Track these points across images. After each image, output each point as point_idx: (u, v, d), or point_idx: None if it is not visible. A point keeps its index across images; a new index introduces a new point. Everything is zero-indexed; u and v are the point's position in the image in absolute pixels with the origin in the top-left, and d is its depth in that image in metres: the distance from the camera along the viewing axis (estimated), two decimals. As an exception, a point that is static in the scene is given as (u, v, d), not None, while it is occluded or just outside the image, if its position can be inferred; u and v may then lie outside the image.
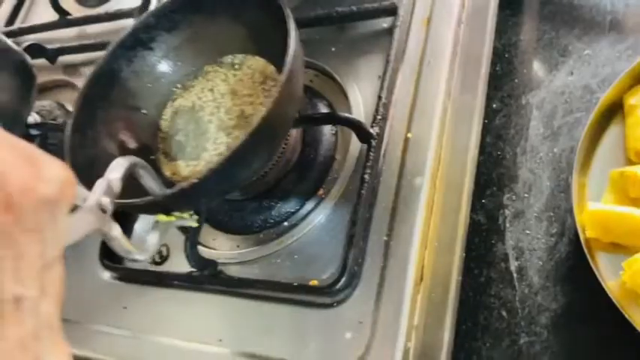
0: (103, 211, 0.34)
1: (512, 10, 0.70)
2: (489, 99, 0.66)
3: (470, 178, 0.53)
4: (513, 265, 0.57)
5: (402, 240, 0.43)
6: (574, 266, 0.54)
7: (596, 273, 0.49)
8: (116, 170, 0.37)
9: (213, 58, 0.54)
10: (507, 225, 0.59)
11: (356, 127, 0.47)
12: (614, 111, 0.57)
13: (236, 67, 0.53)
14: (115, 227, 0.35)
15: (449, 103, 0.48)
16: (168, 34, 0.53)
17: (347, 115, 0.49)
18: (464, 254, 0.55)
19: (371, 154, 0.46)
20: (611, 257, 0.52)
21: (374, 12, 0.53)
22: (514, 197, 0.60)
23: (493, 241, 0.59)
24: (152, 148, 0.51)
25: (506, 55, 0.68)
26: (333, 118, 0.50)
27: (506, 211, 0.60)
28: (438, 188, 0.46)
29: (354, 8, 0.54)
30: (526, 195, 0.59)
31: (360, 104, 0.51)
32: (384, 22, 0.53)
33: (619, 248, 0.52)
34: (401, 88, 0.48)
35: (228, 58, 0.53)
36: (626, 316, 0.46)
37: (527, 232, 0.58)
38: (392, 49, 0.49)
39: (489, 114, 0.65)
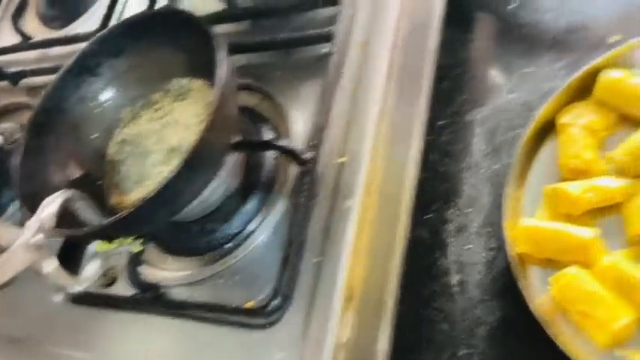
0: (37, 248, 0.36)
1: (461, 28, 0.72)
2: (437, 116, 0.68)
3: (409, 195, 0.55)
4: (455, 278, 0.59)
5: (333, 261, 0.45)
6: (510, 281, 0.56)
7: (522, 290, 0.51)
8: (50, 207, 0.38)
9: (160, 84, 0.55)
10: (450, 240, 0.61)
11: (290, 153, 0.49)
12: (551, 127, 0.59)
13: (182, 95, 0.54)
14: (50, 262, 0.37)
15: (383, 125, 0.49)
16: (115, 60, 0.55)
17: (281, 142, 0.51)
18: (403, 269, 0.57)
19: (306, 177, 0.47)
20: (545, 272, 0.54)
21: (312, 38, 0.55)
22: (457, 212, 0.62)
23: (436, 256, 0.61)
24: (99, 175, 0.53)
25: (456, 72, 0.70)
26: (268, 146, 0.52)
27: (450, 226, 0.61)
28: (371, 208, 0.48)
29: (294, 35, 0.56)
30: (469, 210, 0.61)
31: (300, 128, 0.53)
32: (325, 48, 0.55)
33: (552, 263, 0.54)
34: (336, 111, 0.50)
35: (175, 85, 0.55)
36: (549, 334, 0.48)
37: (469, 246, 0.60)
38: (328, 75, 0.51)
39: (436, 131, 0.68)
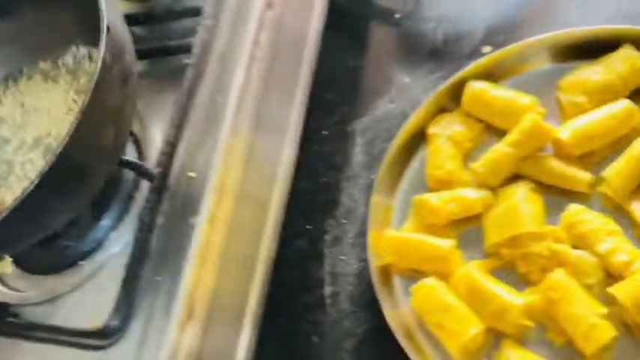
0: None
1: (346, 38, 0.72)
2: (322, 126, 0.68)
3: (277, 207, 0.55)
4: (328, 290, 0.59)
5: (173, 278, 0.44)
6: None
7: (381, 301, 0.51)
8: None
9: (54, 50, 0.52)
10: (326, 250, 0.61)
11: (137, 169, 0.48)
12: (423, 138, 0.60)
13: (71, 71, 0.51)
14: None
15: (237, 140, 0.49)
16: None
17: (128, 158, 0.49)
18: (278, 282, 0.57)
19: (153, 193, 0.46)
20: (410, 282, 0.54)
21: (173, 49, 0.54)
22: (334, 223, 0.61)
23: (313, 267, 0.60)
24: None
25: (340, 82, 0.70)
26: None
27: (327, 237, 0.61)
28: (223, 223, 0.47)
29: (155, 45, 0.55)
30: (344, 221, 0.61)
31: (156, 142, 0.52)
32: (187, 59, 0.54)
33: (417, 273, 0.54)
34: (191, 125, 0.49)
35: (70, 54, 0.52)
36: (403, 346, 0.48)
37: (343, 257, 0.60)
38: (183, 87, 0.50)
39: (321, 141, 0.67)
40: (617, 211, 0.49)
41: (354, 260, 0.58)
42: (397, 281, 0.54)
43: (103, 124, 0.43)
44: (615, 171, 0.49)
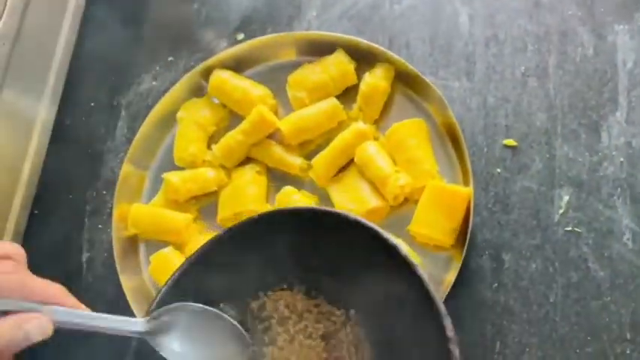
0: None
1: (118, 10, 0.73)
2: (89, 97, 0.70)
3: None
4: (85, 256, 0.64)
5: None
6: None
7: (117, 268, 0.58)
8: None
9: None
10: (86, 220, 0.66)
11: None
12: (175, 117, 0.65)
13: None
14: None
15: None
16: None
17: None
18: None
19: None
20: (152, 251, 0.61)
21: None
22: (95, 194, 0.66)
23: (74, 235, 0.65)
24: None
25: (111, 56, 0.71)
26: None
27: (87, 207, 0.66)
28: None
29: None
30: (104, 192, 0.66)
31: None
32: None
33: (162, 242, 0.61)
34: None
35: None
36: (133, 309, 0.56)
37: (100, 226, 0.65)
38: None
39: (87, 112, 0.70)
40: (324, 193, 0.60)
41: (110, 229, 0.64)
42: (142, 249, 0.62)
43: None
44: (320, 159, 0.58)
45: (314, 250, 0.47)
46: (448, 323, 0.39)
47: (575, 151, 0.55)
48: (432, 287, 0.41)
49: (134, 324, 0.42)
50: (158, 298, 0.45)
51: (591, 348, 0.50)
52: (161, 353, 0.43)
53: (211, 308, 0.46)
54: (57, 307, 0.39)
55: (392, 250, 0.43)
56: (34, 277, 0.41)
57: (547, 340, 0.51)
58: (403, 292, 0.42)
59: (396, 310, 0.44)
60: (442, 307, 0.39)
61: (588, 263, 0.52)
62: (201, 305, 0.45)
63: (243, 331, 0.47)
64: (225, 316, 0.46)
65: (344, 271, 0.47)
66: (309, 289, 0.49)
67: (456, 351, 0.38)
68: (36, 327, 0.38)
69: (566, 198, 0.54)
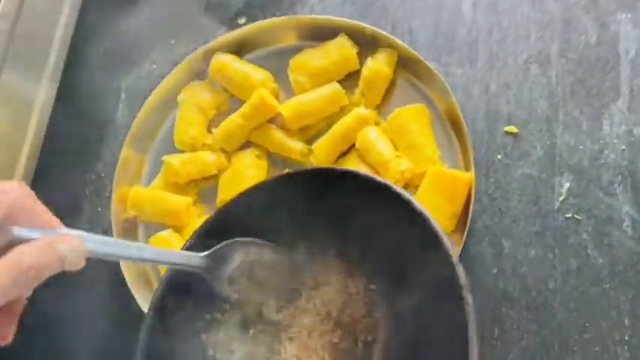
0: None
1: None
2: (90, 80, 0.70)
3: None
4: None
5: None
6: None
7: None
8: None
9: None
10: (84, 204, 0.65)
11: None
12: (176, 100, 0.65)
13: None
14: None
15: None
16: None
17: None
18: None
19: None
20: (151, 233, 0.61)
21: None
22: (95, 177, 0.66)
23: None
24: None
25: (113, 38, 0.72)
26: None
27: (87, 190, 0.66)
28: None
29: None
30: (104, 175, 0.66)
31: None
32: None
33: (160, 225, 0.61)
34: None
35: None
36: (132, 291, 0.56)
37: (100, 209, 0.65)
38: None
39: (88, 95, 0.70)
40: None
41: (109, 212, 0.63)
42: (141, 232, 0.62)
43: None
44: (321, 143, 0.58)
45: (339, 214, 0.47)
46: (460, 270, 0.39)
47: (576, 138, 0.55)
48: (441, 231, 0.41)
49: (194, 258, 0.43)
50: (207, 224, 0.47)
51: (590, 334, 0.50)
52: (216, 287, 0.44)
53: (267, 242, 0.46)
54: (85, 234, 0.35)
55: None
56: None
57: (546, 327, 0.51)
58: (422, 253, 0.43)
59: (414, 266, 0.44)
60: (454, 257, 0.40)
61: (588, 250, 0.52)
62: (260, 239, 0.46)
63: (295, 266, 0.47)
64: (280, 249, 0.47)
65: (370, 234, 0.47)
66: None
67: (468, 297, 0.38)
68: (70, 248, 0.33)
69: (566, 185, 0.54)
